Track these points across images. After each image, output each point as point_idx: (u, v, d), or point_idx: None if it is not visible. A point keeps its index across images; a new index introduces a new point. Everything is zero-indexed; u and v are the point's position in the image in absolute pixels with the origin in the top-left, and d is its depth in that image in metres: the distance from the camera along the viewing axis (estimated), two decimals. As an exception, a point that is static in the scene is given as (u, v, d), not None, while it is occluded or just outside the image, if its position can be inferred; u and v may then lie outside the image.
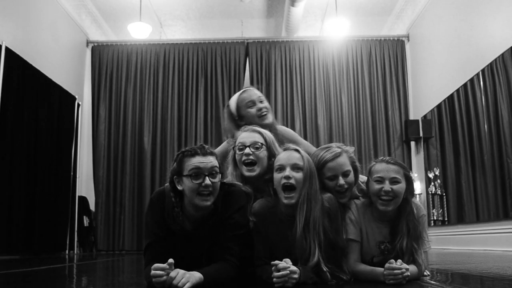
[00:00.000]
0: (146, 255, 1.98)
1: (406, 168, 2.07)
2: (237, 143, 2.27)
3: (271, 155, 2.19)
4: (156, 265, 1.68)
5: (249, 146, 2.21)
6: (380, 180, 2.02)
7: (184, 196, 1.95)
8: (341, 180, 2.08)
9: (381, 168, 2.03)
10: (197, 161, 1.91)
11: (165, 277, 1.65)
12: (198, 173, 1.89)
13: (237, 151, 2.25)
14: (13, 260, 5.08)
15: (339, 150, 2.13)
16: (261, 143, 2.22)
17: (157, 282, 1.66)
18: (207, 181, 1.88)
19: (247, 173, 2.20)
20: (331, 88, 8.06)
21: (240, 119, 2.65)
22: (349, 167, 2.12)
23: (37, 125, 6.09)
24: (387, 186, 1.99)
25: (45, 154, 6.25)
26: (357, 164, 2.19)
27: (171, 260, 1.68)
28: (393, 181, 2.00)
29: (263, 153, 2.21)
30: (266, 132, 2.29)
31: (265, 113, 2.61)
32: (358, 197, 2.20)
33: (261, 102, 2.63)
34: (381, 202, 2.01)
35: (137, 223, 7.66)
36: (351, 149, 2.21)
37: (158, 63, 8.22)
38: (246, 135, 2.26)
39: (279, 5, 7.95)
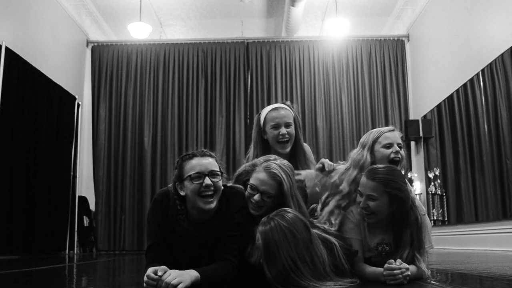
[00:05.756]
0: (147, 255, 1.97)
1: (389, 184, 1.97)
2: (251, 180, 2.08)
3: (280, 202, 2.05)
4: (149, 273, 1.67)
5: (261, 193, 2.04)
6: (360, 194, 2.04)
7: (187, 200, 1.95)
8: (396, 147, 2.24)
9: (362, 182, 2.03)
10: (196, 162, 1.91)
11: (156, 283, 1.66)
12: (198, 174, 1.89)
13: (249, 189, 2.08)
14: (13, 260, 5.08)
15: (391, 127, 2.34)
16: (274, 195, 2.04)
17: (147, 282, 1.67)
18: (208, 181, 1.88)
19: (252, 211, 2.09)
20: (331, 88, 8.06)
21: (264, 133, 2.61)
22: (400, 141, 2.30)
23: (37, 125, 6.10)
24: (363, 202, 2.01)
25: (45, 154, 6.25)
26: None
27: (161, 272, 1.68)
28: (369, 198, 1.99)
29: (273, 202, 2.06)
30: (287, 182, 2.05)
31: (285, 139, 2.51)
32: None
33: (287, 126, 2.52)
34: (363, 214, 2.04)
35: (137, 223, 7.66)
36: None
37: (158, 63, 8.22)
38: (262, 179, 2.04)
39: (279, 5, 7.95)
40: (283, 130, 2.50)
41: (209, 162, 1.93)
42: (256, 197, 2.04)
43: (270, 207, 2.04)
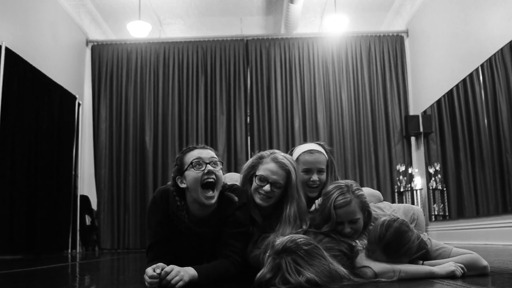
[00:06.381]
0: (148, 254, 1.99)
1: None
2: (259, 171, 2.15)
3: (286, 193, 2.14)
4: (149, 271, 1.69)
5: (270, 184, 2.11)
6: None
7: (188, 194, 1.96)
8: (347, 228, 2.04)
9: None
10: (197, 152, 1.96)
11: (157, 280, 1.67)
12: (199, 161, 1.93)
13: (257, 181, 2.14)
14: (16, 260, 5.10)
15: (348, 198, 2.03)
16: (283, 185, 2.12)
17: (150, 283, 1.68)
18: (209, 167, 1.92)
19: (259, 201, 2.13)
20: (331, 85, 8.07)
21: None
22: (358, 215, 2.04)
23: (38, 125, 6.11)
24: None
25: (46, 154, 6.26)
26: (371, 209, 2.12)
27: (159, 270, 1.69)
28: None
29: (280, 192, 2.14)
30: (294, 172, 2.15)
31: (315, 185, 2.39)
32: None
33: (319, 172, 2.39)
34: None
35: (140, 221, 7.68)
36: (366, 191, 2.16)
37: (158, 61, 8.23)
38: (272, 169, 2.12)
39: (278, 2, 7.94)
40: (314, 177, 2.38)
41: (209, 153, 1.98)
42: (266, 187, 2.10)
43: (277, 198, 2.12)
